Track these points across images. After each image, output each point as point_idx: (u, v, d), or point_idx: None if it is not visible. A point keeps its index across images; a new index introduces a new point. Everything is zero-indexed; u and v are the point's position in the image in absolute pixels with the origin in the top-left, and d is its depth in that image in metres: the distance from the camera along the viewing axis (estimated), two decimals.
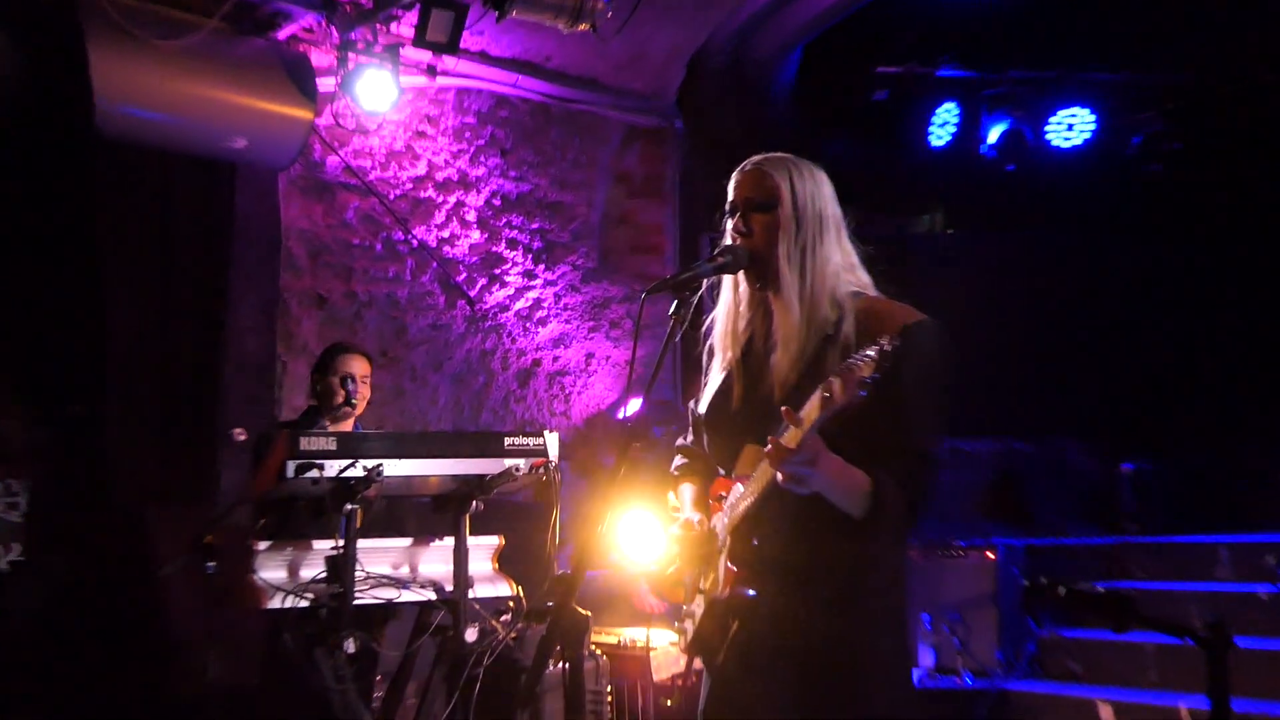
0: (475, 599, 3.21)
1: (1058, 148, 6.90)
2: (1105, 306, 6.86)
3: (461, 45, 4.76)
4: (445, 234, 5.55)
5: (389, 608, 3.21)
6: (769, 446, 1.85)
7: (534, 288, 5.86)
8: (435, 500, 3.28)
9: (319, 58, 4.78)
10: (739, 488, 2.05)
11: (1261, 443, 6.31)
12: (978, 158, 6.91)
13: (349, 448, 2.96)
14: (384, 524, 3.64)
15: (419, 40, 4.59)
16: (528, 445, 3.16)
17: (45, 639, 3.86)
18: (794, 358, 2.04)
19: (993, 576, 5.13)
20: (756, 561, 2.02)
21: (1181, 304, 6.82)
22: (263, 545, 3.06)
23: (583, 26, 4.52)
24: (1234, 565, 5.21)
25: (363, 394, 3.96)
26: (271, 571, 3.02)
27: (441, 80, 5.26)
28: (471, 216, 5.62)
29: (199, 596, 3.47)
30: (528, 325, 5.86)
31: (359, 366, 3.98)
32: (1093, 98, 6.89)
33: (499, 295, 5.74)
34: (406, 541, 3.28)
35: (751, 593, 2.01)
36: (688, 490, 2.28)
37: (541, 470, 3.16)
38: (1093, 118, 6.88)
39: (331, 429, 3.86)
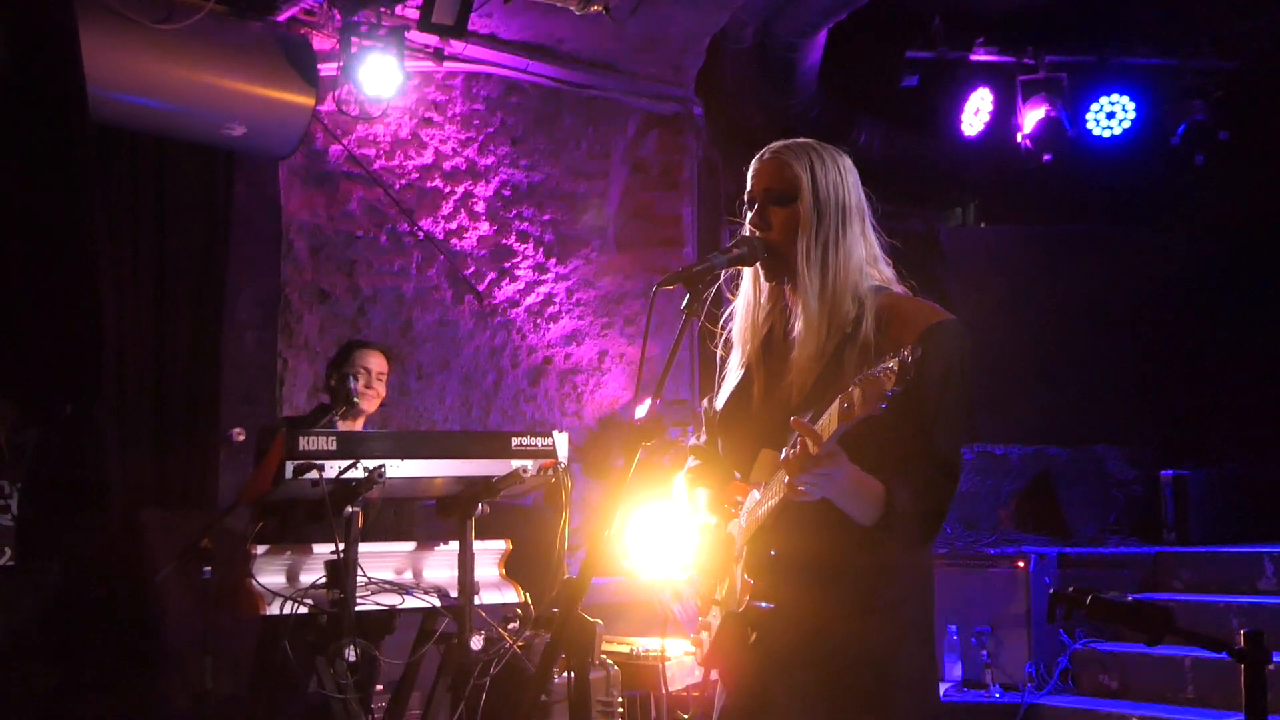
0: (481, 606, 3.20)
1: (1097, 137, 6.81)
2: (1146, 305, 6.80)
3: (469, 28, 4.75)
4: (453, 226, 5.54)
5: (391, 614, 3.20)
6: (784, 455, 1.83)
7: (545, 282, 5.84)
8: (440, 503, 3.29)
9: (321, 41, 4.77)
10: (755, 494, 2.03)
11: None
12: (1013, 147, 6.84)
13: (349, 448, 2.96)
14: (386, 527, 3.63)
15: (424, 23, 4.58)
16: (536, 446, 3.17)
17: (37, 646, 3.92)
18: (812, 356, 2.02)
19: (1024, 586, 5.08)
20: (773, 572, 2.00)
21: (1226, 303, 6.74)
22: (261, 549, 3.07)
23: (596, 7, 4.61)
24: (1279, 577, 5.16)
25: (377, 392, 3.92)
26: (270, 576, 3.03)
27: (449, 65, 5.34)
28: (480, 207, 5.62)
29: (196, 602, 3.54)
30: (539, 321, 5.84)
31: (376, 362, 3.93)
32: (1134, 84, 6.79)
33: (509, 290, 5.71)
34: (410, 545, 3.29)
35: (768, 605, 1.98)
36: (702, 496, 2.25)
37: (550, 472, 3.17)
38: (1134, 105, 6.79)
39: (341, 427, 3.82)
